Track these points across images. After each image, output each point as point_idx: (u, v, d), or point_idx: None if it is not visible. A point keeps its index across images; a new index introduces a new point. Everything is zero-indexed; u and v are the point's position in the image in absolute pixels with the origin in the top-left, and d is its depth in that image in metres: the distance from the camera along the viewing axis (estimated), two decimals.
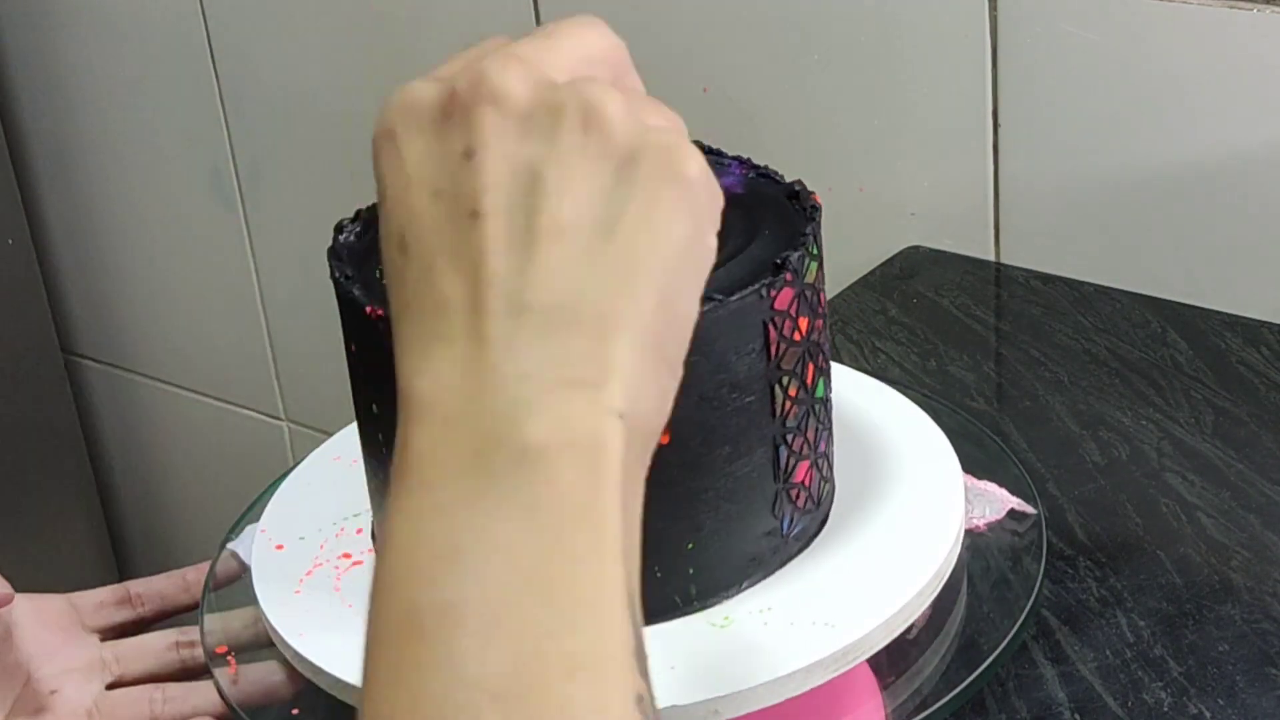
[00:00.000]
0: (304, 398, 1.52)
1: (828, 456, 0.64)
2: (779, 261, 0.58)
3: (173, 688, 0.70)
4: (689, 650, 0.59)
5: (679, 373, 0.46)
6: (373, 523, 0.66)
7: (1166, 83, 0.94)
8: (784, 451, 0.60)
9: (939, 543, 0.63)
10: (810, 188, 0.64)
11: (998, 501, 0.71)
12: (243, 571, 0.68)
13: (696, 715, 0.56)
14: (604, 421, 0.42)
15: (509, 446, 0.41)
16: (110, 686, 0.70)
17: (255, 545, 0.67)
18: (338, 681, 0.59)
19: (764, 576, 0.61)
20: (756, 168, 0.67)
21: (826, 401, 0.63)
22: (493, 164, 0.44)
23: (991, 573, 0.68)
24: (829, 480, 0.64)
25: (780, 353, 0.59)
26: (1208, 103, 0.93)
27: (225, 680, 0.65)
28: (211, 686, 0.67)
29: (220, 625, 0.68)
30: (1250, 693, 0.66)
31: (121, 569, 1.79)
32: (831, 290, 0.78)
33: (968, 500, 0.67)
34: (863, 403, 0.72)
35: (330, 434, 0.74)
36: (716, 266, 0.59)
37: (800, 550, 0.63)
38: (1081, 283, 0.99)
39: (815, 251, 0.60)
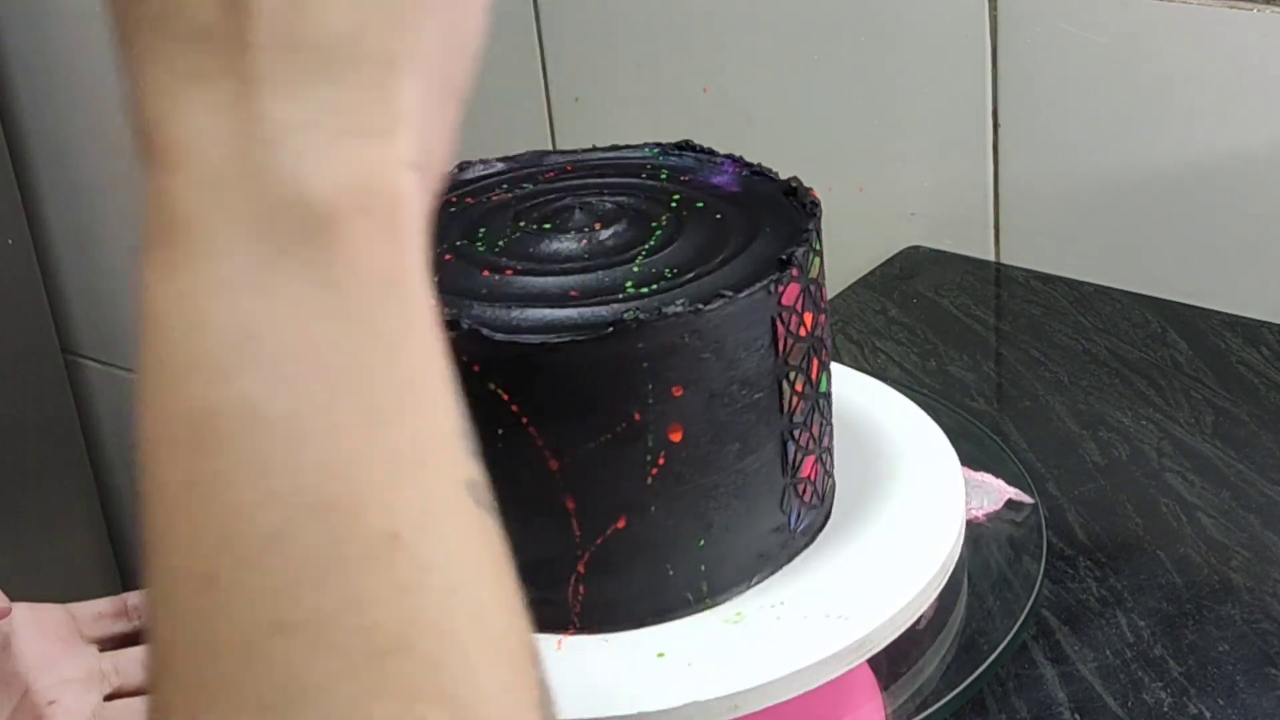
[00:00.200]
0: None
1: (830, 451, 0.64)
2: (784, 258, 0.59)
3: None
4: (704, 647, 0.59)
5: (462, 92, 0.40)
6: None
7: (1166, 83, 0.94)
8: (791, 447, 0.61)
9: (943, 534, 0.64)
10: (810, 188, 0.64)
11: (995, 492, 0.71)
12: None
13: (717, 711, 0.57)
14: (398, 176, 0.37)
15: (295, 210, 0.35)
16: (109, 697, 0.69)
17: None
18: None
19: (773, 572, 0.62)
20: (750, 166, 0.67)
21: (829, 396, 0.63)
22: None
23: (992, 572, 0.68)
24: (831, 475, 0.65)
25: (788, 348, 0.59)
26: (1208, 103, 0.93)
27: None
28: None
29: None
30: (1250, 693, 0.66)
31: (121, 569, 1.79)
32: (831, 290, 0.78)
33: (966, 492, 0.67)
34: (860, 400, 0.72)
35: None
36: (721, 264, 0.60)
37: (806, 545, 0.63)
38: (1081, 283, 0.99)
39: (817, 247, 0.61)
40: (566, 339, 0.56)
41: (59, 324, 1.68)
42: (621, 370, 0.56)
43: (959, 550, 0.64)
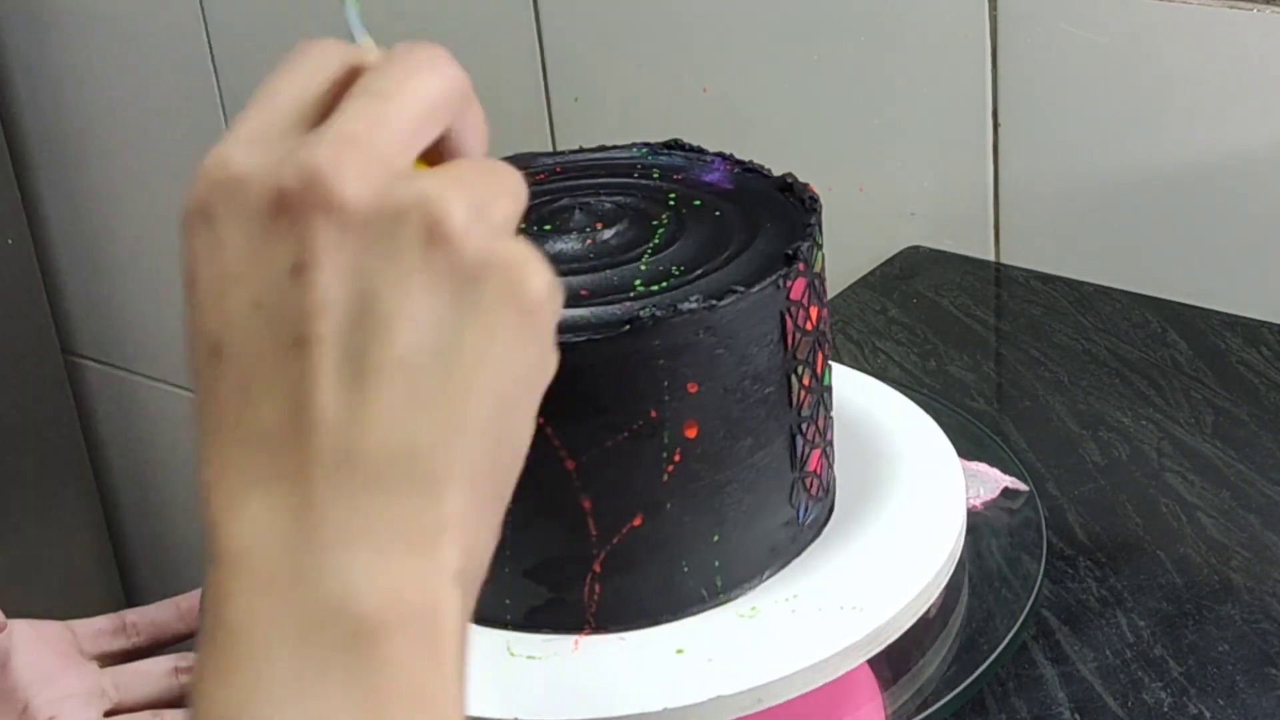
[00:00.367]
0: None
1: (832, 445, 0.65)
2: (790, 253, 0.59)
3: (172, 714, 0.69)
4: (722, 642, 0.59)
5: (509, 493, 0.42)
6: None
7: (1166, 83, 0.94)
8: (799, 440, 0.61)
9: (948, 524, 0.64)
10: (807, 183, 0.65)
11: (991, 481, 0.71)
12: None
13: (742, 705, 0.57)
14: (441, 588, 0.39)
15: (341, 620, 0.37)
16: (109, 714, 0.69)
17: None
18: None
19: (783, 565, 0.62)
20: (741, 163, 0.68)
21: (830, 390, 0.64)
22: (324, 283, 0.39)
23: (992, 572, 0.68)
24: (832, 469, 0.65)
25: (795, 342, 0.60)
26: (1208, 103, 0.93)
27: None
28: None
29: None
30: (1250, 693, 0.66)
31: (121, 569, 1.79)
32: (831, 290, 0.78)
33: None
34: (857, 398, 0.72)
35: None
36: (727, 261, 0.61)
37: (813, 539, 0.64)
38: (1081, 283, 0.99)
39: (820, 241, 0.62)
40: (583, 338, 0.56)
41: (59, 324, 1.68)
42: (638, 368, 0.57)
43: (962, 540, 0.64)
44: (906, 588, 0.61)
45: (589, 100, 1.18)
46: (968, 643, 0.64)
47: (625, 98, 1.16)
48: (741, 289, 0.57)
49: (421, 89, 0.43)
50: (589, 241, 0.62)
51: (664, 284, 0.59)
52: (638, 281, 0.59)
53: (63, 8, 1.49)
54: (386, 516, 0.38)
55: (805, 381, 0.61)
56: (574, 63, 1.18)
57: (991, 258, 1.04)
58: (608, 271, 0.60)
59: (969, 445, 0.72)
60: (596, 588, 0.59)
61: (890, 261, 1.05)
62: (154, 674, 0.70)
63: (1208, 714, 0.65)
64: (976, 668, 0.62)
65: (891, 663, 0.62)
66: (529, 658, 0.59)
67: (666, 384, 0.57)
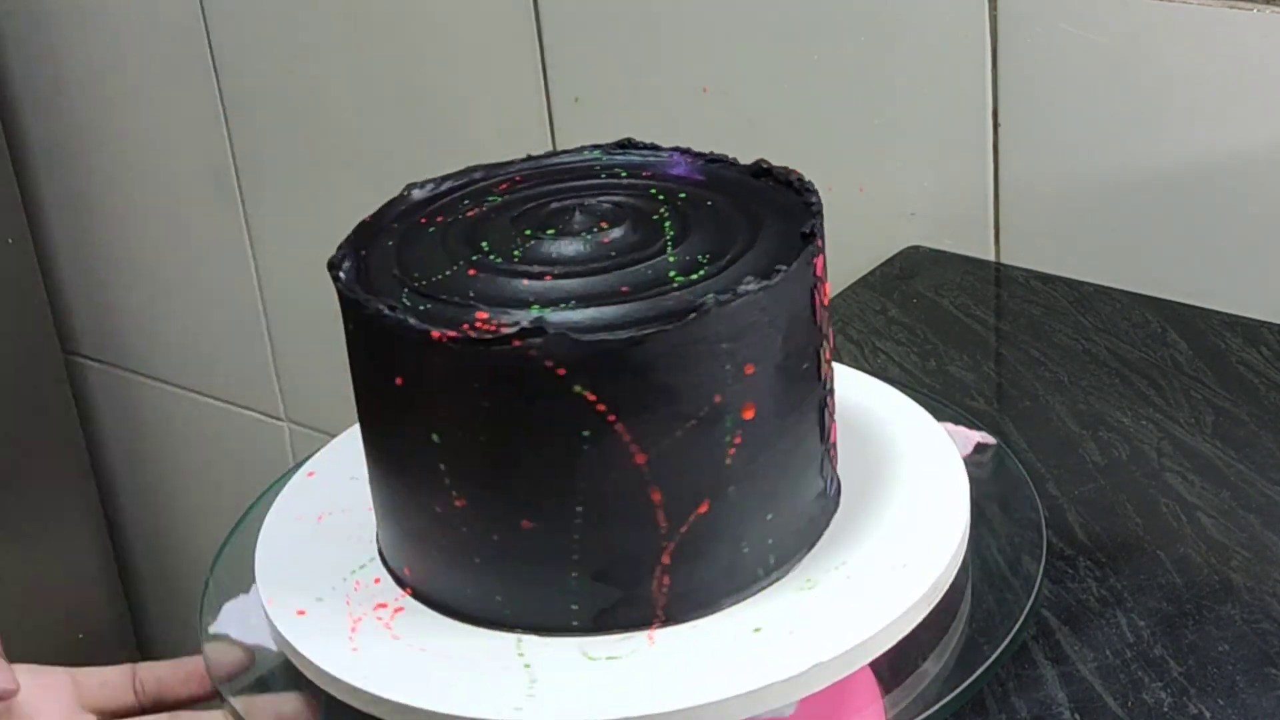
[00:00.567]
0: (304, 398, 1.53)
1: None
2: (807, 231, 0.60)
3: None
4: (794, 615, 0.60)
5: None
6: (378, 539, 0.66)
7: (1166, 83, 0.94)
8: (825, 413, 0.63)
9: (957, 487, 0.66)
10: (786, 167, 0.65)
11: (962, 439, 0.73)
12: (248, 656, 0.66)
13: (839, 668, 0.58)
14: None
15: None
16: None
17: (273, 614, 0.63)
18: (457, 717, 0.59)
19: (818, 537, 0.64)
20: (703, 155, 0.68)
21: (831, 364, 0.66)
22: None
23: (992, 572, 0.68)
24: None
25: (821, 318, 0.61)
26: (1208, 103, 0.93)
27: None
28: None
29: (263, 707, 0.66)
30: (1250, 693, 0.66)
31: (121, 569, 1.79)
32: (831, 290, 0.78)
33: None
34: (853, 394, 0.73)
35: (330, 434, 0.74)
36: (747, 246, 0.61)
37: (835, 510, 0.65)
38: (1081, 283, 0.99)
39: (820, 215, 0.63)
40: (653, 329, 0.56)
41: (59, 324, 1.68)
42: (704, 354, 0.57)
43: (969, 509, 0.66)
44: (945, 544, 0.63)
45: (589, 100, 1.18)
46: (968, 643, 0.64)
47: (625, 98, 1.16)
48: (784, 267, 0.58)
49: None
50: (604, 240, 0.62)
51: (700, 273, 0.59)
52: (672, 274, 0.60)
53: (63, 8, 1.49)
54: None
55: (826, 355, 0.62)
56: (574, 63, 1.18)
57: (991, 258, 1.04)
58: (637, 267, 0.60)
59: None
60: (665, 580, 0.60)
61: (890, 261, 1.05)
62: None
63: (1208, 714, 0.65)
64: (976, 668, 0.62)
65: (892, 664, 0.62)
66: (609, 659, 0.59)
67: (729, 367, 0.58)
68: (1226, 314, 0.94)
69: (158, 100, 1.47)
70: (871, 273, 1.04)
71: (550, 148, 1.20)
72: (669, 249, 0.61)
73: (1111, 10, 0.94)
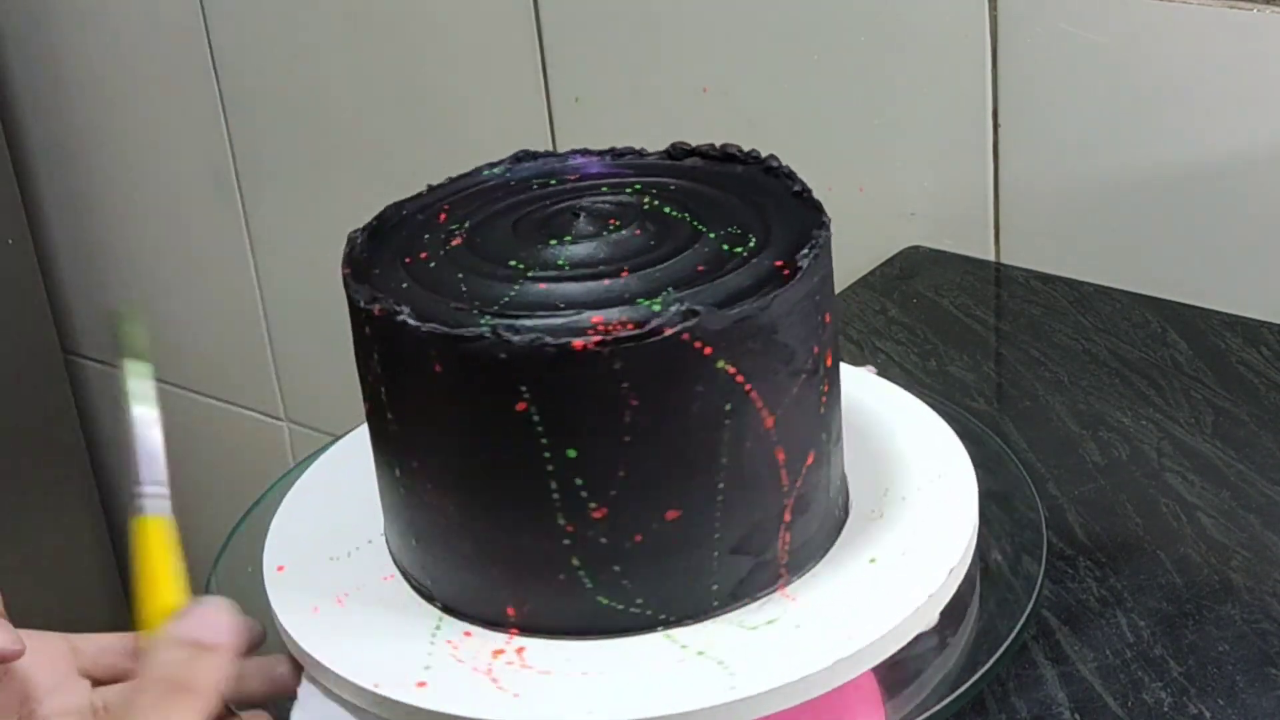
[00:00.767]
0: (304, 398, 1.53)
1: None
2: (823, 221, 0.62)
3: None
4: (900, 547, 0.63)
5: None
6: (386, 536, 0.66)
7: (1166, 83, 0.94)
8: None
9: (966, 483, 0.68)
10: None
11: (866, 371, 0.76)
12: (260, 631, 0.64)
13: (956, 578, 0.62)
14: None
15: None
16: None
17: (392, 694, 0.59)
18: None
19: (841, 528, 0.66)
20: (606, 151, 0.69)
21: None
22: None
23: (992, 573, 0.68)
24: None
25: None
26: (1208, 103, 0.93)
27: None
28: None
29: None
30: (1250, 693, 0.66)
31: (121, 568, 1.79)
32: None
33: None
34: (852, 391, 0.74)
35: (331, 435, 0.74)
36: (762, 218, 0.62)
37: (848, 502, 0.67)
38: (1081, 283, 0.99)
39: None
40: (770, 295, 0.57)
41: (59, 324, 1.68)
42: (807, 310, 0.59)
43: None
44: (959, 533, 0.64)
45: (589, 100, 1.18)
46: (969, 643, 0.64)
47: (625, 98, 1.16)
48: (823, 231, 0.61)
49: None
50: (637, 232, 0.62)
51: (749, 246, 0.61)
52: (726, 247, 0.61)
53: (63, 8, 1.49)
54: None
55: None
56: (574, 63, 1.18)
57: (991, 258, 1.04)
58: (695, 248, 0.61)
59: (969, 445, 0.72)
60: (786, 537, 0.61)
61: (890, 261, 1.05)
62: None
63: (1208, 714, 0.65)
64: (977, 668, 0.62)
65: (893, 664, 0.62)
66: (768, 623, 0.60)
67: (818, 318, 0.60)
68: (1226, 314, 0.94)
69: (158, 100, 1.47)
70: (871, 273, 1.04)
71: (550, 148, 1.20)
72: (704, 229, 0.62)
73: (1111, 10, 0.94)
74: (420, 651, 0.60)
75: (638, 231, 0.62)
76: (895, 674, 0.62)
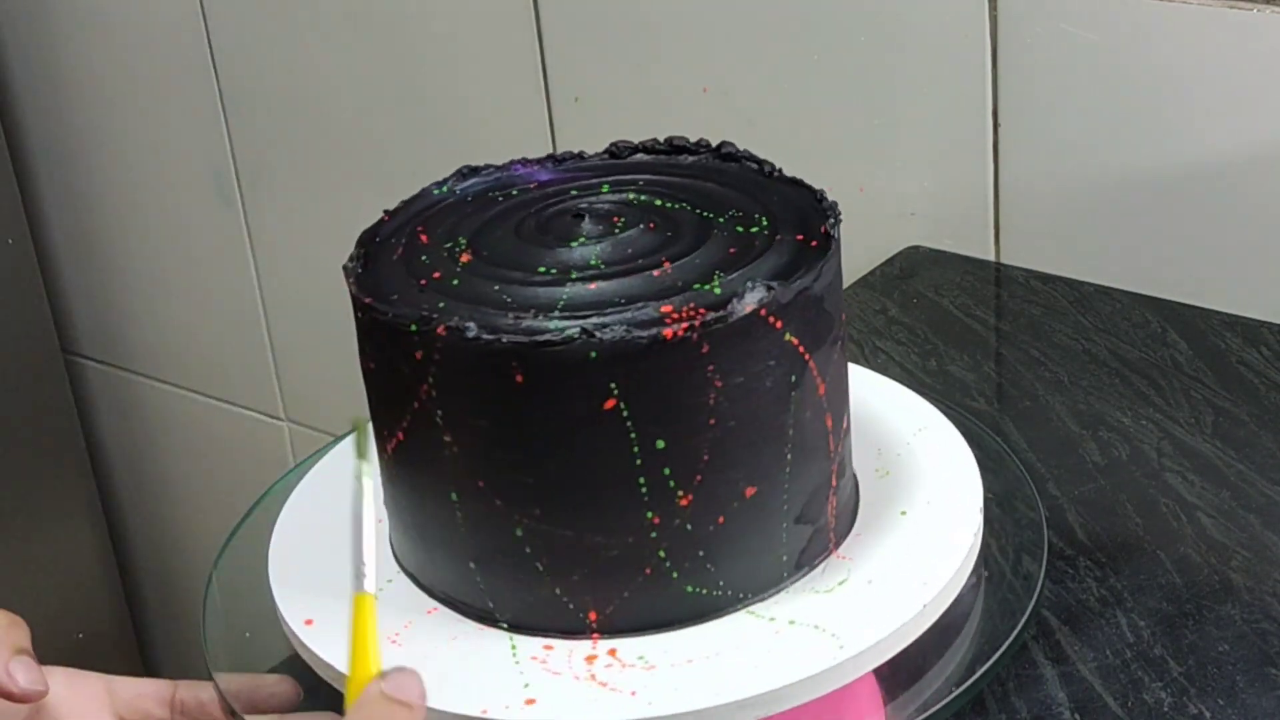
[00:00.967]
0: (304, 398, 1.53)
1: None
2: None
3: None
4: (936, 507, 0.65)
5: None
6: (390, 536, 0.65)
7: (1166, 83, 0.94)
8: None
9: (947, 431, 0.70)
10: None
11: None
12: (295, 690, 0.64)
13: (970, 566, 0.63)
14: None
15: None
16: None
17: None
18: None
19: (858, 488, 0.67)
20: (546, 159, 0.69)
21: None
22: None
23: (992, 573, 0.68)
24: None
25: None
26: (1208, 103, 0.93)
27: None
28: None
29: None
30: (1250, 693, 0.66)
31: (122, 569, 1.79)
32: None
33: None
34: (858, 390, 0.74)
35: (331, 434, 0.74)
36: (766, 208, 0.63)
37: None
38: (1081, 283, 0.99)
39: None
40: (819, 264, 0.59)
41: (59, 324, 1.68)
42: (839, 280, 0.62)
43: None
44: (968, 523, 0.65)
45: (589, 100, 1.18)
46: (968, 643, 0.64)
47: (625, 98, 1.16)
48: (834, 213, 0.62)
49: None
50: (650, 226, 0.62)
51: (763, 225, 0.62)
52: (740, 228, 0.62)
53: (63, 8, 1.49)
54: None
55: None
56: (574, 63, 1.18)
57: (991, 258, 1.04)
58: (715, 235, 0.62)
59: (971, 448, 0.72)
60: (834, 502, 0.62)
61: (890, 261, 1.05)
62: None
63: (1208, 714, 0.65)
64: (977, 668, 0.62)
65: (893, 664, 0.62)
66: (841, 584, 0.61)
67: (842, 288, 0.62)
68: (1226, 314, 0.94)
69: (158, 100, 1.47)
70: (871, 273, 1.04)
71: (550, 148, 1.20)
72: (710, 216, 0.63)
73: (1111, 10, 0.94)
74: (509, 670, 0.59)
75: (651, 225, 0.62)
76: (896, 674, 0.62)
